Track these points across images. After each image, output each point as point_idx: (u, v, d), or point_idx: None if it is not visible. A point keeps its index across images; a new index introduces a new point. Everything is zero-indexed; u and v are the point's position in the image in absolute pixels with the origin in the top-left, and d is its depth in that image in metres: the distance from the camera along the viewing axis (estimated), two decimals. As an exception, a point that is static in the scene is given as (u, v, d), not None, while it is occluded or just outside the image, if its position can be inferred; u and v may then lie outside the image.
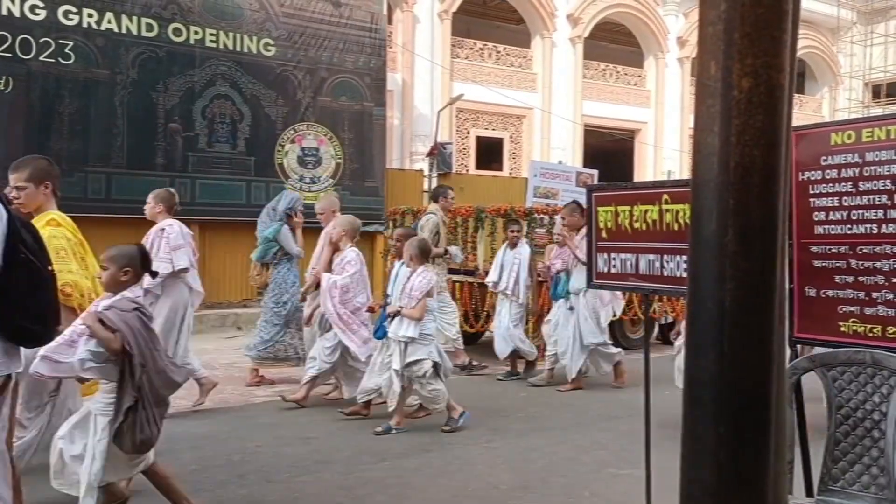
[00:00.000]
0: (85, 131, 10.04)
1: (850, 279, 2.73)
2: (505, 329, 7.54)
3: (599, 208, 3.78)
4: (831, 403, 2.73)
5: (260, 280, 6.99)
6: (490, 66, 19.31)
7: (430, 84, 18.07)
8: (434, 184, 13.85)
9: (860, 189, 2.70)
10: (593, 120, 20.75)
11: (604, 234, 3.76)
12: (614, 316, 7.89)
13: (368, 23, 12.34)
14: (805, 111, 23.92)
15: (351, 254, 6.12)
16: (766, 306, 0.99)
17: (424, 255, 5.64)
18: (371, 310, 6.20)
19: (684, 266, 3.32)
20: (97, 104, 10.12)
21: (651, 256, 3.49)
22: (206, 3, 10.93)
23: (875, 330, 2.68)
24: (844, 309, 2.75)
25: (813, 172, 2.83)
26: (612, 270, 3.72)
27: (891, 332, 2.65)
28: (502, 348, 7.58)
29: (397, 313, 5.45)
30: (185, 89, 10.76)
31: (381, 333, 5.75)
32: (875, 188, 2.67)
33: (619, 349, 7.34)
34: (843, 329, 2.77)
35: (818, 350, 2.93)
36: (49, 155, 9.69)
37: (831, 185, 2.78)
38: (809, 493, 2.78)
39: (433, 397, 5.50)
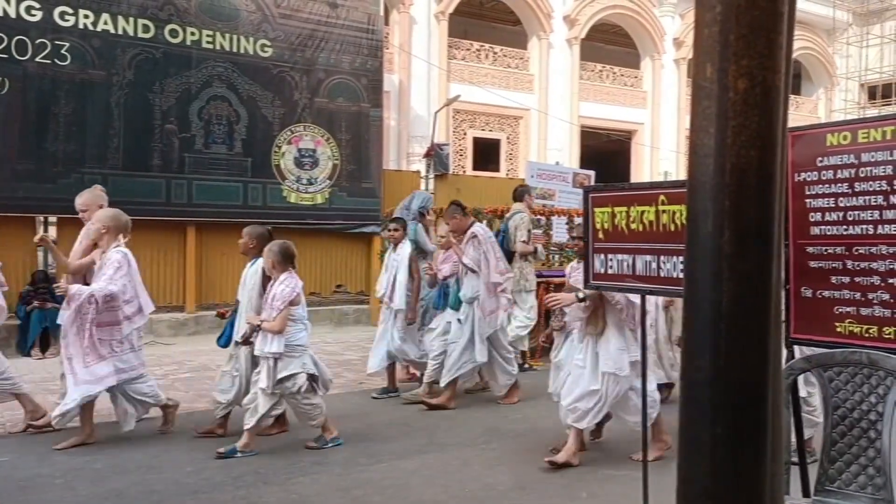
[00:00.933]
0: (81, 132, 10.02)
1: (847, 280, 2.74)
2: (387, 342, 6.71)
3: (596, 209, 3.78)
4: (828, 404, 2.74)
5: None
6: (487, 67, 19.32)
7: (427, 85, 18.08)
8: (431, 185, 13.84)
9: (856, 190, 2.71)
10: (590, 121, 20.76)
11: (600, 235, 3.76)
12: (523, 326, 7.55)
13: (365, 24, 12.33)
14: (801, 112, 23.96)
15: (116, 255, 5.16)
16: (762, 307, 1.00)
17: (287, 260, 5.06)
18: (221, 315, 5.81)
19: (681, 267, 3.33)
20: (93, 105, 10.10)
21: (648, 257, 3.49)
22: (203, 4, 10.91)
23: (871, 330, 2.68)
24: (840, 309, 2.76)
25: (809, 173, 2.83)
26: (609, 271, 3.73)
27: (887, 332, 2.66)
28: (374, 362, 6.77)
29: (257, 327, 4.95)
30: (181, 90, 10.75)
31: (223, 340, 5.47)
32: (871, 189, 2.67)
33: (516, 369, 6.67)
34: (839, 330, 2.77)
35: (808, 350, 2.93)
36: (45, 156, 9.76)
37: (827, 185, 2.79)
38: (806, 494, 2.78)
39: (310, 412, 5.09)
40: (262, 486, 4.36)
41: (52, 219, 10.25)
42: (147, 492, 4.25)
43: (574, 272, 5.37)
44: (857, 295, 2.72)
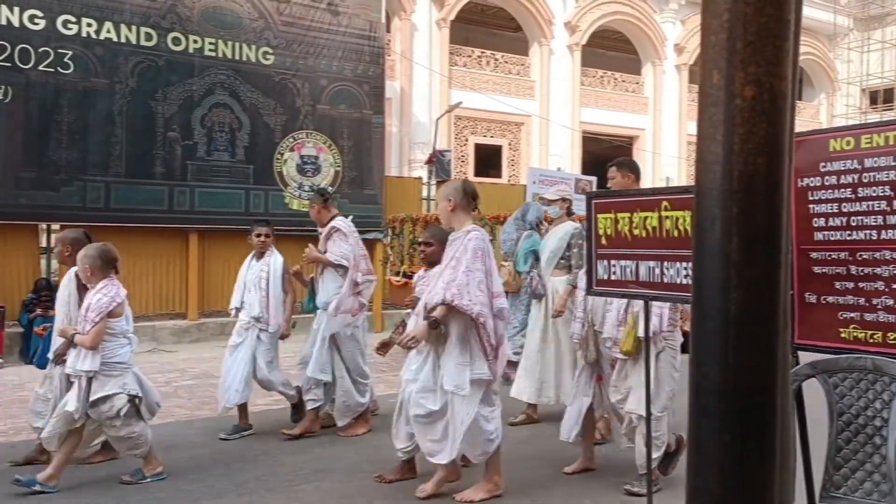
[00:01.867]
0: (84, 140, 10.04)
1: (851, 285, 2.73)
2: (246, 370, 5.58)
3: (599, 215, 3.78)
4: (832, 410, 2.73)
5: (515, 285, 6.98)
6: (488, 73, 19.37)
7: (429, 92, 18.12)
8: (433, 191, 13.86)
9: (859, 195, 2.70)
10: (591, 127, 20.80)
11: (603, 241, 3.76)
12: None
13: (367, 31, 12.37)
14: (803, 118, 23.99)
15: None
16: (771, 314, 1.00)
17: (107, 265, 4.44)
18: (39, 334, 5.25)
19: (685, 273, 3.33)
20: (96, 113, 10.12)
21: (651, 263, 3.49)
22: (205, 12, 10.95)
23: (876, 336, 2.68)
24: (845, 315, 2.75)
25: (812, 179, 2.83)
26: (613, 277, 3.73)
27: (891, 338, 2.65)
28: (231, 395, 5.53)
29: (70, 342, 4.37)
30: (183, 98, 10.77)
31: (40, 359, 4.95)
32: (874, 194, 2.67)
33: (367, 398, 5.80)
34: (843, 335, 2.77)
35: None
36: (48, 164, 9.78)
37: (831, 191, 2.78)
38: (811, 500, 2.77)
39: (131, 441, 4.43)
40: (265, 492, 4.35)
41: (55, 226, 10.28)
42: (150, 499, 4.25)
43: (420, 281, 4.92)
44: (862, 300, 2.71)
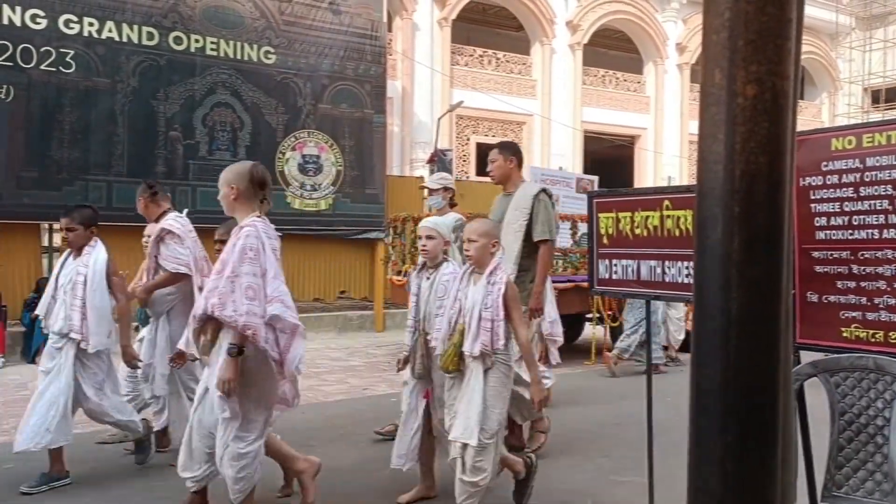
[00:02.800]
0: (85, 140, 10.05)
1: (852, 284, 2.73)
2: (64, 402, 4.31)
3: (600, 215, 3.78)
4: (834, 409, 2.73)
5: None
6: (490, 72, 19.36)
7: (430, 91, 18.12)
8: (434, 190, 13.85)
9: (861, 194, 2.70)
10: (593, 126, 20.79)
11: (605, 241, 3.76)
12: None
13: (368, 30, 12.37)
14: (804, 117, 23.97)
15: None
16: (773, 314, 0.99)
17: None
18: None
19: (686, 272, 3.32)
20: (98, 112, 10.13)
21: (652, 262, 3.49)
22: (207, 11, 10.96)
23: (877, 335, 2.67)
24: (846, 314, 2.75)
25: (814, 178, 2.83)
26: (614, 277, 3.73)
27: (893, 337, 2.65)
28: (30, 437, 4.21)
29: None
30: (185, 97, 10.78)
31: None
32: (876, 193, 2.67)
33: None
34: (845, 335, 2.76)
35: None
36: (50, 163, 9.79)
37: (832, 190, 2.78)
38: (813, 500, 2.77)
39: None
40: (266, 492, 4.35)
41: (57, 226, 10.29)
42: (152, 498, 4.25)
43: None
44: (863, 300, 2.71)
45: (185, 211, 5.17)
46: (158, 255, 4.78)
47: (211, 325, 3.48)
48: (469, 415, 3.67)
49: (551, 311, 6.02)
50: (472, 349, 3.66)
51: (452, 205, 5.74)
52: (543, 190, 5.08)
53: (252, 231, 3.46)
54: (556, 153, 19.72)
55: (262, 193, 3.61)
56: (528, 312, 4.86)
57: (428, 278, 4.18)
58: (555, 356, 6.11)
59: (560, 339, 6.29)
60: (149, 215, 5.06)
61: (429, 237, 4.15)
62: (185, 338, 4.15)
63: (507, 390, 3.82)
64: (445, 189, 5.66)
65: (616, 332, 9.41)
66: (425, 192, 6.02)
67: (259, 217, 3.56)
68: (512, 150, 5.16)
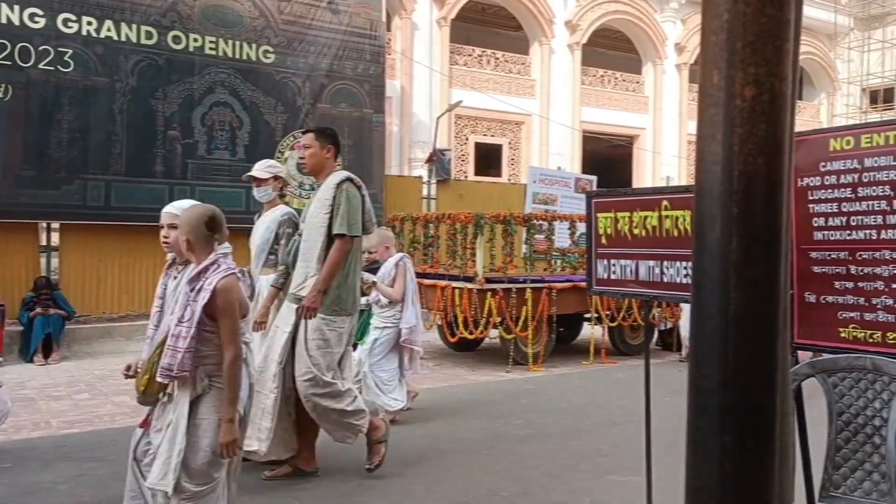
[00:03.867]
0: (84, 139, 10.03)
1: (850, 285, 2.74)
2: None
3: (599, 214, 3.78)
4: (832, 409, 2.73)
5: None
6: (489, 72, 19.36)
7: (429, 91, 18.11)
8: (433, 190, 13.86)
9: (859, 195, 2.71)
10: (592, 126, 20.79)
11: (603, 241, 3.77)
12: None
13: (367, 30, 12.36)
14: (803, 117, 23.98)
15: None
16: (770, 314, 1.00)
17: None
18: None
19: (684, 272, 3.33)
20: (96, 112, 10.12)
21: (651, 262, 3.49)
22: (206, 10, 10.95)
23: (875, 336, 2.68)
24: (844, 315, 2.75)
25: (812, 178, 2.83)
26: (612, 277, 3.73)
27: (891, 337, 2.65)
28: None
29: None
30: (184, 97, 10.77)
31: None
32: (874, 194, 2.67)
33: None
34: (843, 335, 2.77)
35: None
36: (48, 162, 9.78)
37: (830, 190, 2.79)
38: (811, 500, 2.78)
39: None
40: (265, 490, 4.36)
41: (55, 225, 10.28)
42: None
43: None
44: (861, 300, 2.71)
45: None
46: None
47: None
48: (169, 455, 2.91)
49: (411, 316, 5.82)
50: (160, 374, 2.93)
51: (282, 196, 5.26)
52: (349, 179, 4.51)
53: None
54: (554, 153, 19.72)
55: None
56: (304, 310, 4.34)
57: (175, 277, 3.35)
58: (416, 367, 5.97)
59: (420, 348, 6.03)
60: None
61: (170, 226, 3.35)
62: None
63: (217, 423, 2.98)
64: (275, 178, 5.14)
65: (614, 332, 9.43)
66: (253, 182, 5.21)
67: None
68: (330, 138, 4.62)
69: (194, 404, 2.96)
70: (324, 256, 4.38)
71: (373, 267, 6.04)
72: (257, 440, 4.34)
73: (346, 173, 4.58)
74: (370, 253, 6.02)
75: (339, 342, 4.45)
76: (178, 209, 3.32)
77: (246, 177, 5.24)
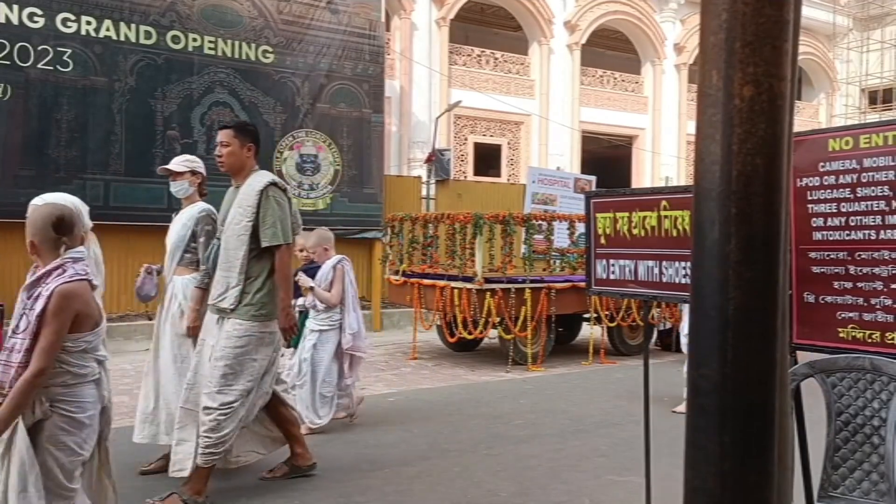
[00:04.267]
0: (83, 139, 10.04)
1: (849, 285, 2.74)
2: None
3: (598, 215, 3.79)
4: (831, 409, 2.74)
5: None
6: (488, 72, 19.36)
7: (428, 91, 18.11)
8: (432, 190, 13.86)
9: (858, 195, 2.71)
10: (591, 126, 20.79)
11: (602, 241, 3.77)
12: None
13: (367, 30, 12.36)
14: (802, 117, 24.00)
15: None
16: (769, 314, 1.00)
17: None
18: None
19: (683, 272, 3.33)
20: (95, 111, 10.12)
21: (650, 263, 3.49)
22: (205, 10, 10.95)
23: (874, 336, 2.68)
24: (843, 315, 2.76)
25: (811, 178, 2.83)
26: (611, 277, 3.73)
27: (889, 337, 2.66)
28: None
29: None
30: (183, 96, 10.77)
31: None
32: (873, 194, 2.67)
33: None
34: (842, 335, 2.77)
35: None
36: (47, 162, 9.77)
37: (829, 191, 2.79)
38: (809, 500, 2.78)
39: None
40: (264, 491, 4.36)
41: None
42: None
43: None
44: (860, 300, 2.71)
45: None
46: None
47: None
48: (9, 487, 2.56)
49: (353, 321, 5.72)
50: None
51: (202, 193, 4.92)
52: (273, 183, 4.25)
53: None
54: (553, 153, 19.72)
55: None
56: (287, 332, 4.25)
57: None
58: (356, 374, 5.88)
59: (364, 354, 5.91)
60: None
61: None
62: None
63: (66, 447, 2.68)
64: (193, 173, 4.82)
65: (613, 333, 9.43)
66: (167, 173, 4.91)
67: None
68: (251, 136, 4.32)
69: (34, 431, 2.57)
70: (246, 266, 4.12)
71: (310, 267, 5.91)
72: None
73: (268, 176, 4.29)
74: (307, 252, 5.98)
75: (262, 350, 4.22)
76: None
77: (161, 170, 4.94)
